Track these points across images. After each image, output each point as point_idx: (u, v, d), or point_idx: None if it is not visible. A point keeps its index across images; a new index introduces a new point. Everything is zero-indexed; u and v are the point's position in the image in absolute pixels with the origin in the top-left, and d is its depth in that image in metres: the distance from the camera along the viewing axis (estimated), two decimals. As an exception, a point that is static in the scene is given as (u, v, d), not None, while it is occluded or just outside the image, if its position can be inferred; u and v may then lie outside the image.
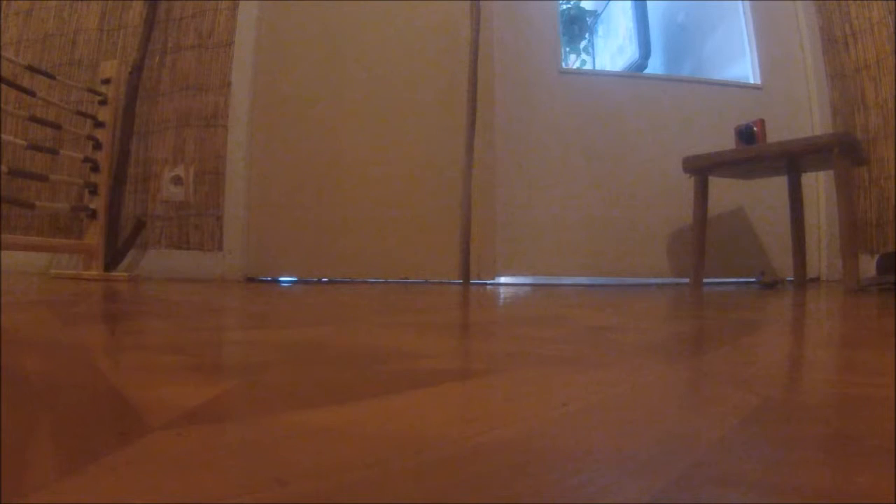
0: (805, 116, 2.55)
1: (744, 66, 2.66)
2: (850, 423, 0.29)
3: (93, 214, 2.07)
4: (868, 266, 2.27)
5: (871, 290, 1.67)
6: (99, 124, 2.10)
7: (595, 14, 3.68)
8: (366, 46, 2.31)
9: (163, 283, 1.79)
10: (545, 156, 2.39)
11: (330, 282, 2.17)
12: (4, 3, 2.43)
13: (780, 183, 2.21)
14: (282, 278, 2.24)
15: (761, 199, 2.48)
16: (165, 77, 2.29)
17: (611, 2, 3.32)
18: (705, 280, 2.10)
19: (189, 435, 0.25)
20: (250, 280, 2.16)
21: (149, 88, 2.28)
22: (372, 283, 2.16)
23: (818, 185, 2.51)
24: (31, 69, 2.04)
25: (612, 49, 3.34)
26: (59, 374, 0.38)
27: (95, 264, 2.04)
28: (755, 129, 2.01)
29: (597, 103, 2.47)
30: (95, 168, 2.09)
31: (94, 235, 2.05)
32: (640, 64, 2.89)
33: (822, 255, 2.50)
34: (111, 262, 2.12)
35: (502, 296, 1.49)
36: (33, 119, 1.98)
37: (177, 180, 2.25)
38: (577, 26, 3.78)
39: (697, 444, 0.24)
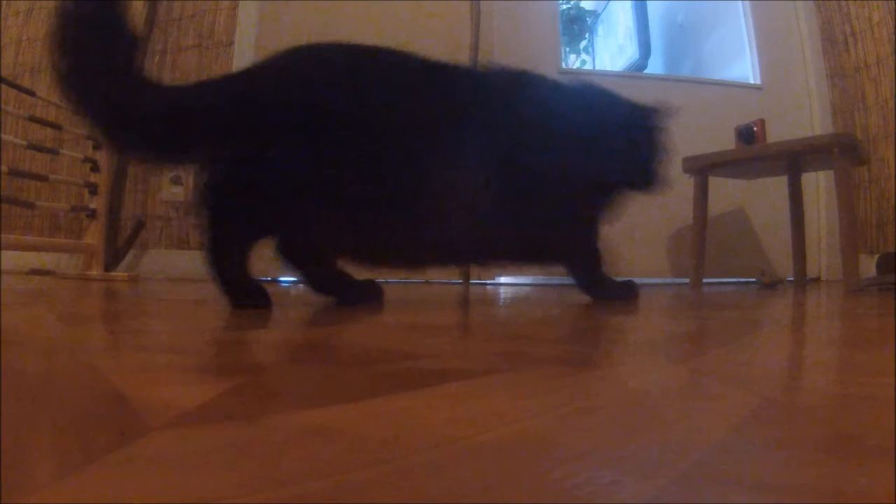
0: (805, 116, 2.55)
1: (744, 66, 2.65)
2: (850, 423, 0.29)
3: (93, 214, 2.07)
4: (868, 266, 2.27)
5: (871, 290, 1.67)
6: (99, 124, 2.10)
7: (595, 14, 3.68)
8: (366, 46, 2.30)
9: (163, 283, 1.79)
10: (545, 156, 2.38)
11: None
12: (4, 3, 2.43)
13: (780, 183, 2.21)
14: (282, 278, 2.24)
15: (761, 199, 2.48)
16: (166, 77, 2.29)
17: (611, 2, 3.32)
18: (705, 280, 2.10)
19: (189, 435, 0.25)
20: (250, 280, 2.16)
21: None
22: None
23: (818, 185, 2.51)
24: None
25: (612, 49, 3.34)
26: (59, 374, 0.38)
27: (95, 264, 2.04)
28: (755, 129, 2.01)
29: (597, 103, 2.46)
30: (95, 168, 2.09)
31: (94, 235, 2.05)
32: (640, 64, 2.89)
33: (822, 255, 2.50)
34: (111, 262, 2.12)
35: (502, 296, 1.49)
36: (33, 119, 1.98)
37: (177, 180, 2.25)
38: (577, 26, 3.78)
39: (697, 444, 0.24)
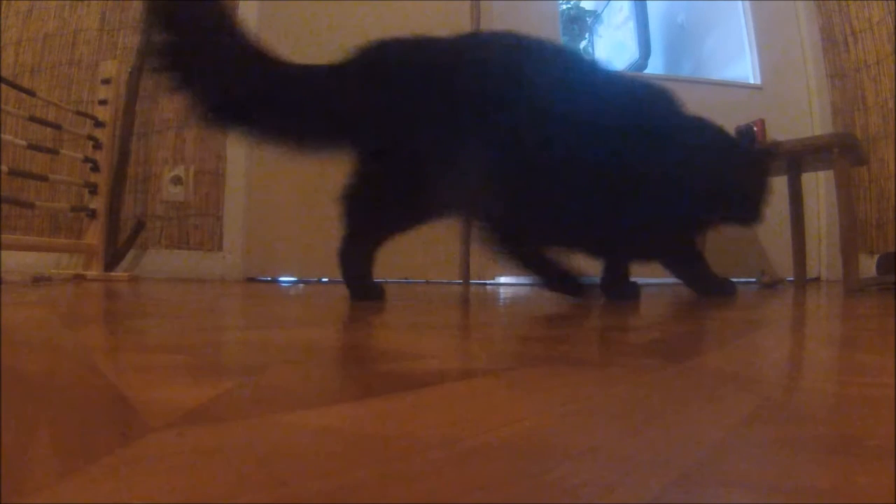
0: (805, 116, 2.55)
1: (744, 66, 2.65)
2: (850, 423, 0.29)
3: (93, 214, 2.07)
4: (868, 266, 2.27)
5: (871, 290, 1.67)
6: (99, 124, 2.10)
7: (595, 14, 3.68)
8: (366, 46, 2.30)
9: (163, 283, 1.79)
10: (545, 156, 2.38)
11: (330, 282, 2.17)
12: (4, 3, 2.43)
13: (780, 183, 2.21)
14: (282, 278, 2.24)
15: (761, 199, 2.47)
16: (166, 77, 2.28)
17: (611, 2, 3.32)
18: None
19: (189, 435, 0.25)
20: (250, 280, 2.16)
21: (149, 88, 2.28)
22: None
23: (818, 185, 2.51)
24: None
25: (612, 49, 3.34)
26: (59, 374, 0.38)
27: (95, 264, 2.04)
28: (755, 129, 2.01)
29: (597, 103, 2.46)
30: (95, 168, 2.09)
31: (94, 235, 2.05)
32: (640, 64, 2.89)
33: (822, 255, 2.50)
34: (111, 262, 2.12)
35: (502, 296, 1.49)
36: (33, 119, 1.98)
37: (177, 180, 2.25)
38: (577, 26, 3.78)
39: (697, 444, 0.24)
